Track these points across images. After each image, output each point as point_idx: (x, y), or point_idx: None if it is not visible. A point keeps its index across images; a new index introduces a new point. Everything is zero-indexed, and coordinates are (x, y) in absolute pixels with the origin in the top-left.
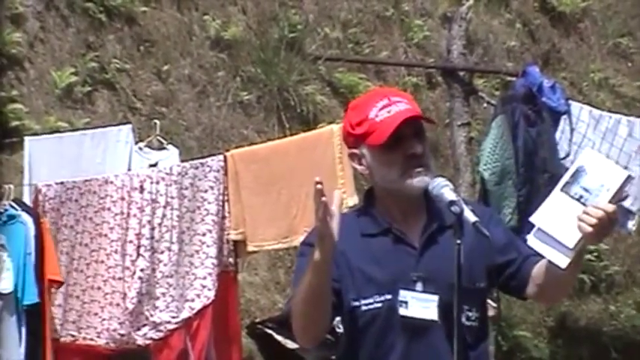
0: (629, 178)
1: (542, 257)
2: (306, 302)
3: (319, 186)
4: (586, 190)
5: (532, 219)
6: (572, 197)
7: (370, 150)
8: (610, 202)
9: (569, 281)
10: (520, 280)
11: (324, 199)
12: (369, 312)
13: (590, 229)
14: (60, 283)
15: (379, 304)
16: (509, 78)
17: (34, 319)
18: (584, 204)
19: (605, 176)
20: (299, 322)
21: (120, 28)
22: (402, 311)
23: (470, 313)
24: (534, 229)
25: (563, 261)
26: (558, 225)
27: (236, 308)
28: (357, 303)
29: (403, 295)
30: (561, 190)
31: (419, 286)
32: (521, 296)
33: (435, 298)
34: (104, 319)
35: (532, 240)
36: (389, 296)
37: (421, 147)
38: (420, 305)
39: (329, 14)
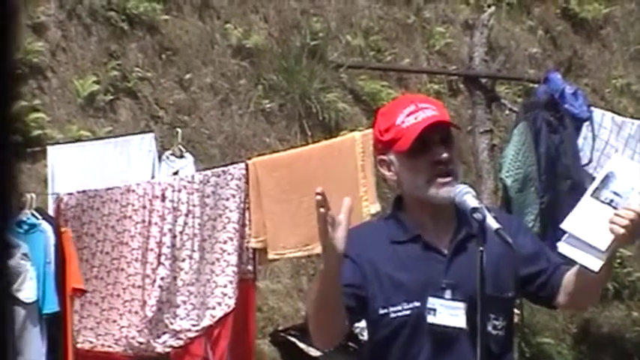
0: None
1: (574, 264)
2: (317, 308)
3: (319, 197)
4: (616, 194)
5: (563, 225)
6: (602, 202)
7: (397, 156)
8: None
9: (599, 287)
10: (550, 290)
11: (322, 210)
12: (397, 319)
13: (622, 230)
14: (83, 292)
15: (408, 312)
16: (531, 85)
17: (54, 328)
18: (615, 207)
19: (635, 179)
20: (312, 324)
21: (142, 37)
22: (431, 319)
23: (497, 322)
24: (565, 236)
25: (596, 264)
26: (590, 229)
27: (253, 316)
28: (385, 310)
29: (432, 302)
30: (591, 195)
31: (447, 293)
32: (550, 305)
33: (463, 305)
34: (123, 327)
35: (563, 246)
36: (417, 303)
37: (447, 153)
38: (449, 313)
39: (350, 22)
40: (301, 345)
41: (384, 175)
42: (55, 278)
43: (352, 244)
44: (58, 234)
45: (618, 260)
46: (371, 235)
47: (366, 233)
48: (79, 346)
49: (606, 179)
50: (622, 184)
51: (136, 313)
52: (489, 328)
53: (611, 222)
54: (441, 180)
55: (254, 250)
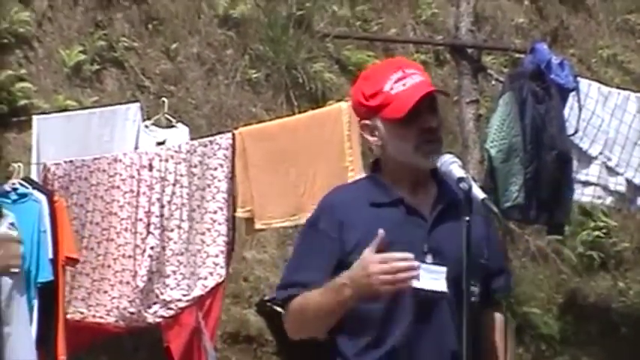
0: None
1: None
2: (317, 319)
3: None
4: None
5: None
6: None
7: (385, 123)
8: None
9: None
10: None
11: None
12: None
13: None
14: (76, 261)
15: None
16: (517, 55)
17: (48, 297)
18: None
19: None
20: (299, 325)
21: (128, 7)
22: (413, 282)
23: (474, 289)
24: None
25: None
26: None
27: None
28: None
29: None
30: None
31: (429, 258)
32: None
33: (445, 270)
34: (114, 297)
35: None
36: None
37: (436, 121)
38: (430, 277)
39: None
40: None
41: (367, 139)
42: (53, 247)
43: (331, 215)
44: (52, 203)
45: (604, 230)
46: (349, 199)
47: (343, 199)
48: (69, 316)
49: None
50: None
51: (127, 283)
52: None
53: None
54: (429, 147)
55: (233, 219)
